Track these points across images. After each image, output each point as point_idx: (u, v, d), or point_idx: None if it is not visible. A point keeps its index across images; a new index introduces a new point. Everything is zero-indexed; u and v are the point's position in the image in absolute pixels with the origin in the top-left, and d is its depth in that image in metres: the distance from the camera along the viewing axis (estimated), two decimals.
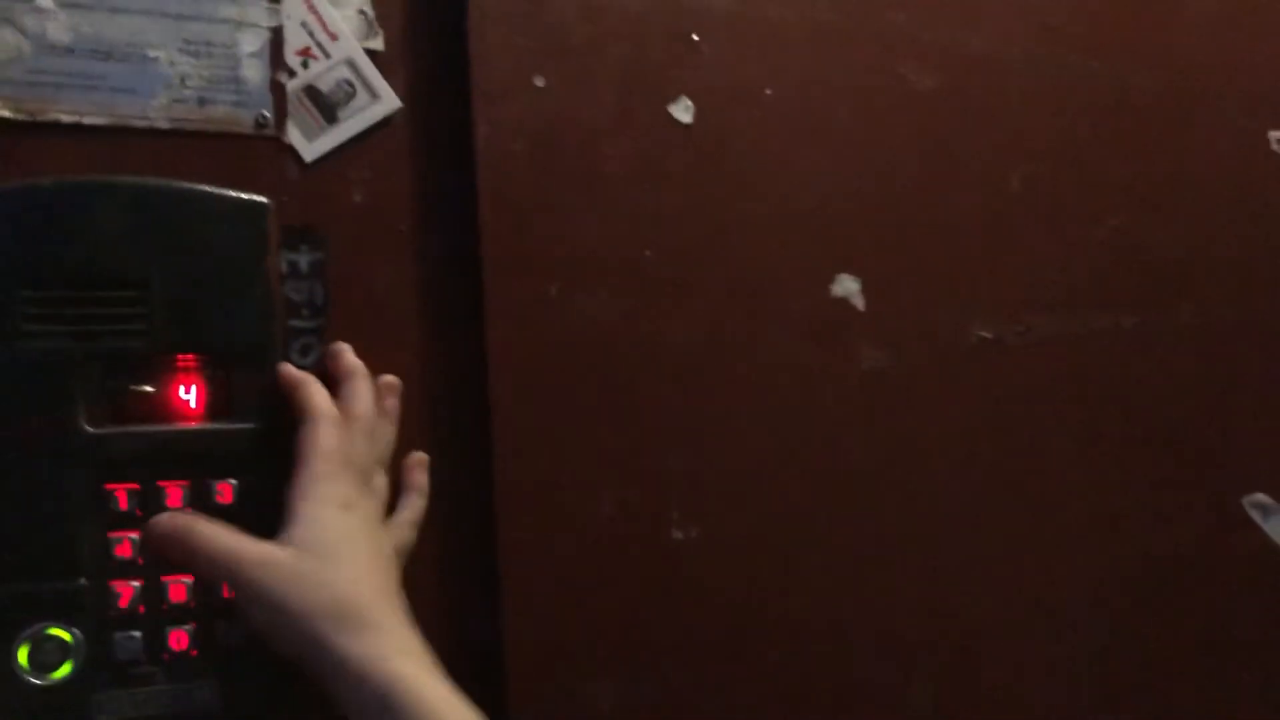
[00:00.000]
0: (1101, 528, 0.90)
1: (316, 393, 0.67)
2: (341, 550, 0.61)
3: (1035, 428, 0.89)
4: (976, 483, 0.87)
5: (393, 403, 0.72)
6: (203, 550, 0.61)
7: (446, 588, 0.73)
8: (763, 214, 0.82)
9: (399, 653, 0.59)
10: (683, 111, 0.80)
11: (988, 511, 0.87)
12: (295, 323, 0.71)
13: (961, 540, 0.86)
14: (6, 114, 0.64)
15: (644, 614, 0.76)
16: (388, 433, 0.71)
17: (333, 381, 0.69)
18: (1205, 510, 0.93)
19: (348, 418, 0.67)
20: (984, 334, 0.88)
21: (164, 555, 0.63)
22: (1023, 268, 0.90)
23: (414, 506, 0.71)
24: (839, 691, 0.81)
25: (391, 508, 0.71)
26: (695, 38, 0.81)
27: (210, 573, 0.62)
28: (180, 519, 0.63)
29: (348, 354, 0.70)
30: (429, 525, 0.72)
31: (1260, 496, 0.96)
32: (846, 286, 0.84)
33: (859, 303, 0.84)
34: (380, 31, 0.74)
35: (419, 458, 0.72)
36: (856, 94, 0.86)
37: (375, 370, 0.72)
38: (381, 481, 0.70)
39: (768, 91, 0.83)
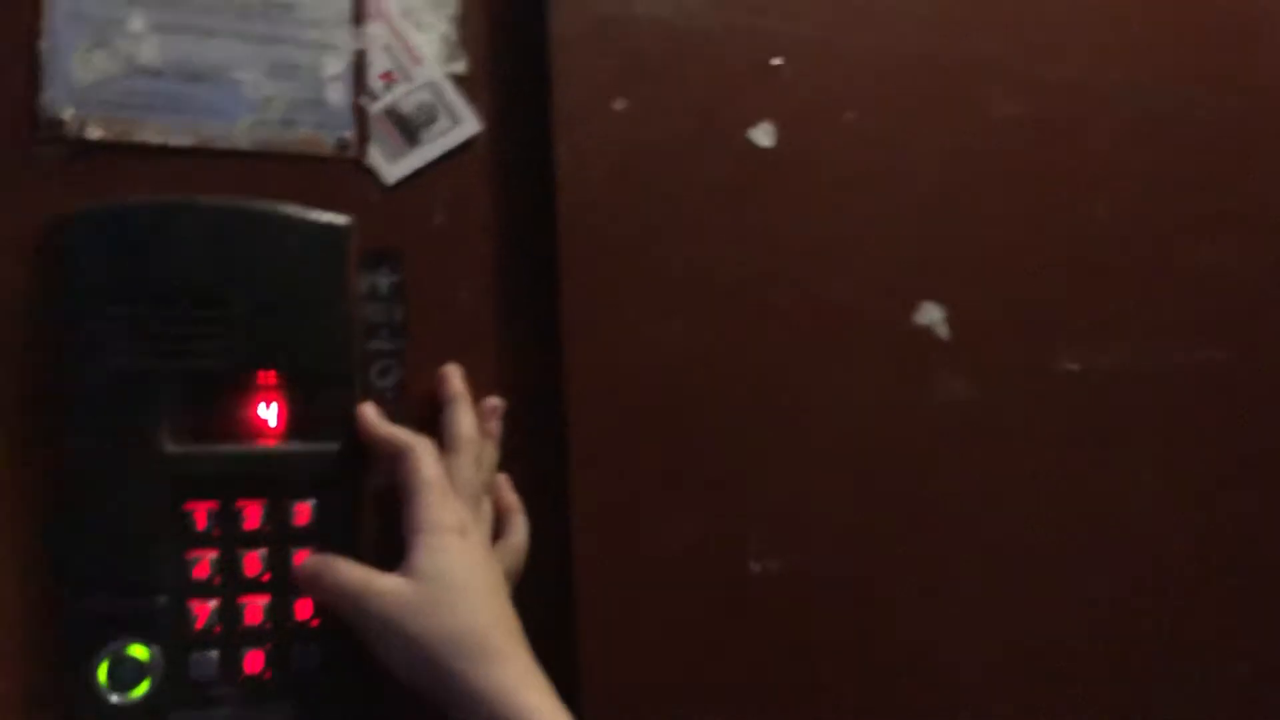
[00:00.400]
0: (1191, 565, 0.87)
1: (399, 429, 0.66)
2: (464, 579, 0.61)
3: (1122, 463, 0.87)
4: (1061, 519, 0.84)
5: (495, 425, 0.71)
6: (332, 583, 0.62)
7: (519, 610, 0.72)
8: (845, 239, 0.81)
9: (527, 685, 0.59)
10: (763, 136, 0.79)
11: (1073, 547, 0.84)
12: (375, 344, 0.71)
13: (1047, 576, 0.83)
14: (98, 135, 0.65)
15: (719, 646, 0.74)
16: (492, 456, 0.71)
17: (439, 404, 0.70)
18: None
19: (455, 442, 0.67)
20: (1070, 366, 0.86)
21: (304, 591, 0.64)
22: (1110, 298, 0.87)
23: (519, 528, 0.71)
24: None
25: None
26: (776, 62, 0.80)
27: (339, 604, 0.62)
28: (317, 556, 0.64)
29: (455, 378, 0.70)
30: None
31: None
32: (930, 315, 0.82)
33: (942, 332, 0.82)
34: (463, 55, 0.74)
35: (500, 478, 0.72)
36: (940, 120, 0.84)
37: None
38: (488, 506, 0.69)
39: (849, 116, 0.82)
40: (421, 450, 0.65)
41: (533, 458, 0.73)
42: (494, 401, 0.72)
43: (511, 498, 0.72)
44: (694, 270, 0.76)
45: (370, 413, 0.67)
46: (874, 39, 0.83)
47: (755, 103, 0.79)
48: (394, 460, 0.65)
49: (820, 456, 0.78)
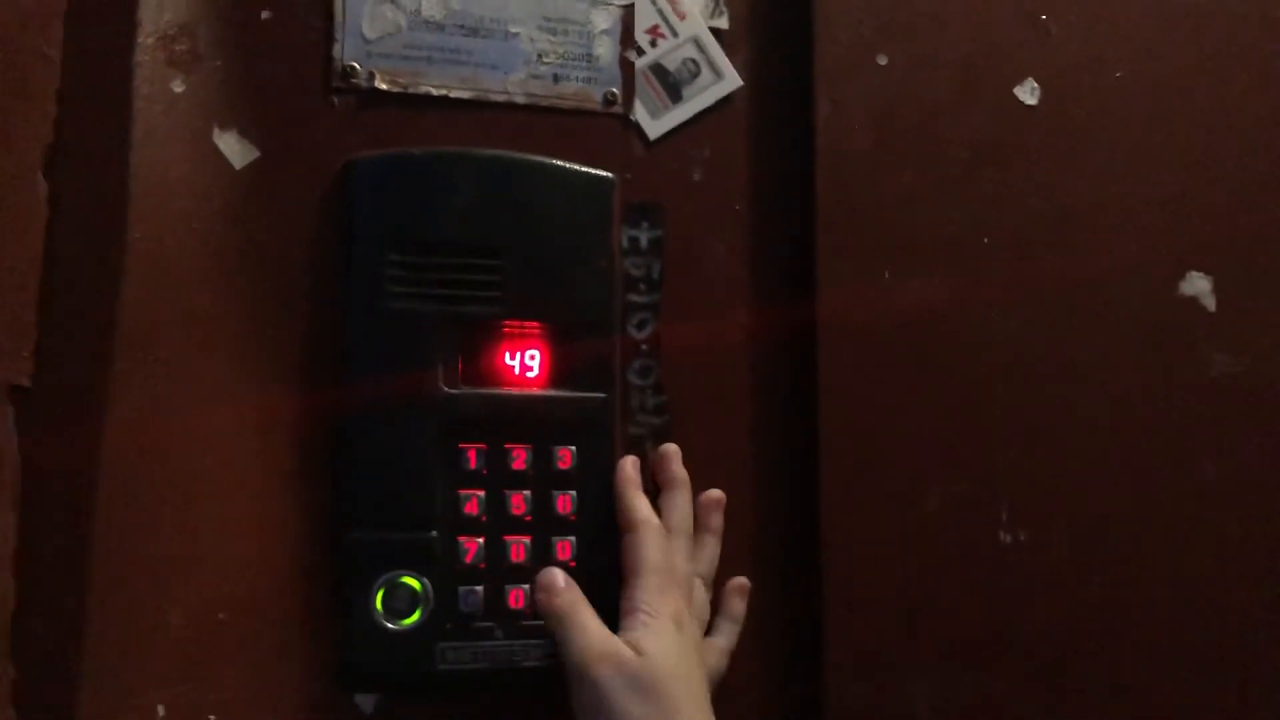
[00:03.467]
0: None
1: (640, 501, 0.67)
2: (679, 669, 0.61)
3: None
4: None
5: (717, 519, 0.71)
6: (571, 628, 0.63)
7: (765, 565, 0.72)
8: (1109, 203, 0.77)
9: None
10: (1028, 93, 0.77)
11: None
12: (632, 297, 0.72)
13: None
14: (383, 86, 0.68)
15: (965, 615, 0.73)
16: (713, 550, 0.71)
17: (657, 485, 0.70)
18: None
19: (669, 529, 0.68)
20: None
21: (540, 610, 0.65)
22: None
23: (729, 634, 0.71)
24: (1167, 712, 0.76)
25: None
26: (1043, 17, 0.77)
27: (566, 648, 0.63)
28: (570, 595, 0.65)
29: (675, 461, 0.70)
30: (749, 508, 0.72)
31: None
32: (1196, 285, 0.78)
33: (1209, 303, 0.78)
34: (725, 10, 0.74)
35: (740, 584, 0.71)
36: (1212, 76, 0.80)
37: (705, 347, 0.72)
38: (703, 598, 0.69)
39: (1117, 74, 0.79)
40: (647, 532, 0.66)
41: (781, 413, 0.73)
42: (715, 494, 0.71)
43: (739, 608, 0.71)
44: (951, 230, 0.75)
45: (628, 468, 0.68)
46: None
47: (1020, 59, 0.77)
48: (622, 529, 0.66)
49: (1076, 428, 0.75)
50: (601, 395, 0.68)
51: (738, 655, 0.70)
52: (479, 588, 0.66)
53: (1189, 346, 0.78)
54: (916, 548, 0.73)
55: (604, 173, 0.70)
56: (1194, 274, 0.78)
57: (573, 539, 0.67)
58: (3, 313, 0.58)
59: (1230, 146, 0.80)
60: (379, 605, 0.65)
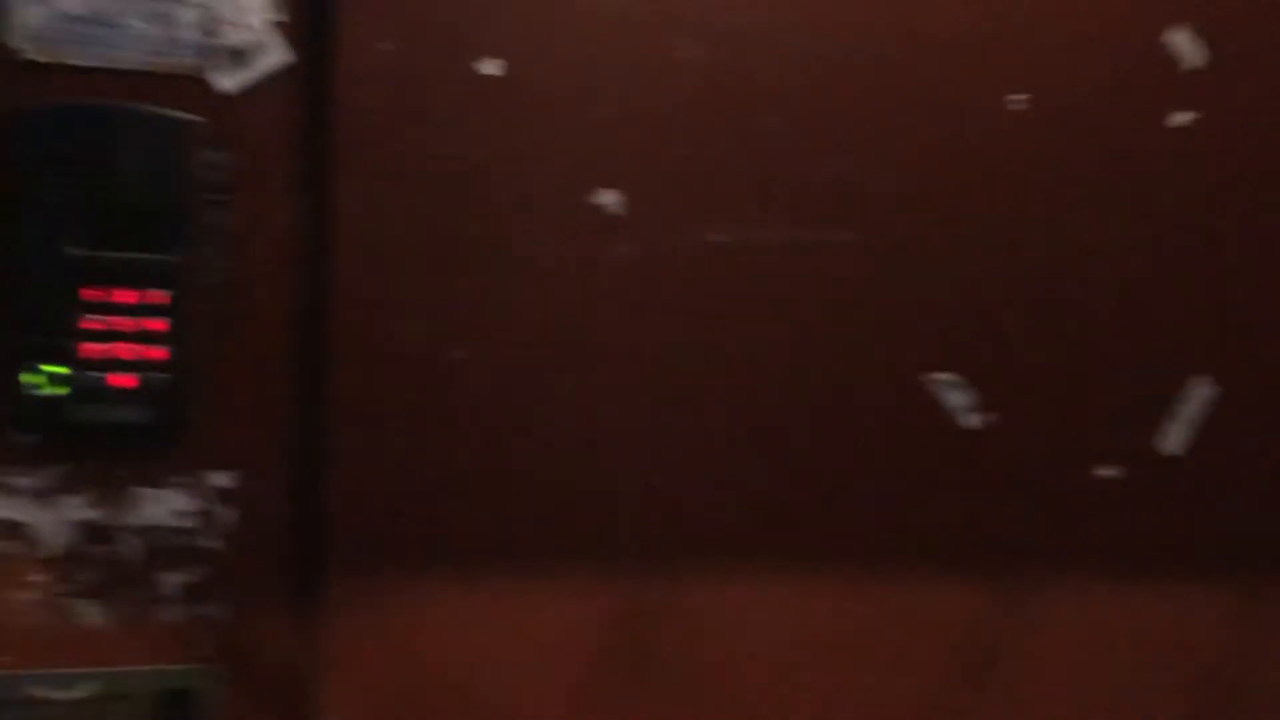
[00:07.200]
0: None
1: None
2: None
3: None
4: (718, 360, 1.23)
5: None
6: None
7: None
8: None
9: None
10: (491, 67, 1.18)
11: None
12: (210, 196, 1.13)
13: None
14: (39, 58, 1.07)
15: None
16: None
17: None
18: None
19: None
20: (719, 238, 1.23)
21: None
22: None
23: None
24: None
25: None
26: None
27: None
28: None
29: None
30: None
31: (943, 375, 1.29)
32: (606, 198, 1.21)
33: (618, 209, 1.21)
34: (285, 8, 1.14)
35: None
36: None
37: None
38: None
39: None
40: None
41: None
42: None
43: None
44: (440, 161, 1.16)
45: None
46: None
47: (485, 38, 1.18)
48: None
49: None
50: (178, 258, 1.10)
51: None
52: (97, 372, 1.08)
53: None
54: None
55: (189, 116, 1.11)
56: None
57: (164, 346, 1.09)
58: None
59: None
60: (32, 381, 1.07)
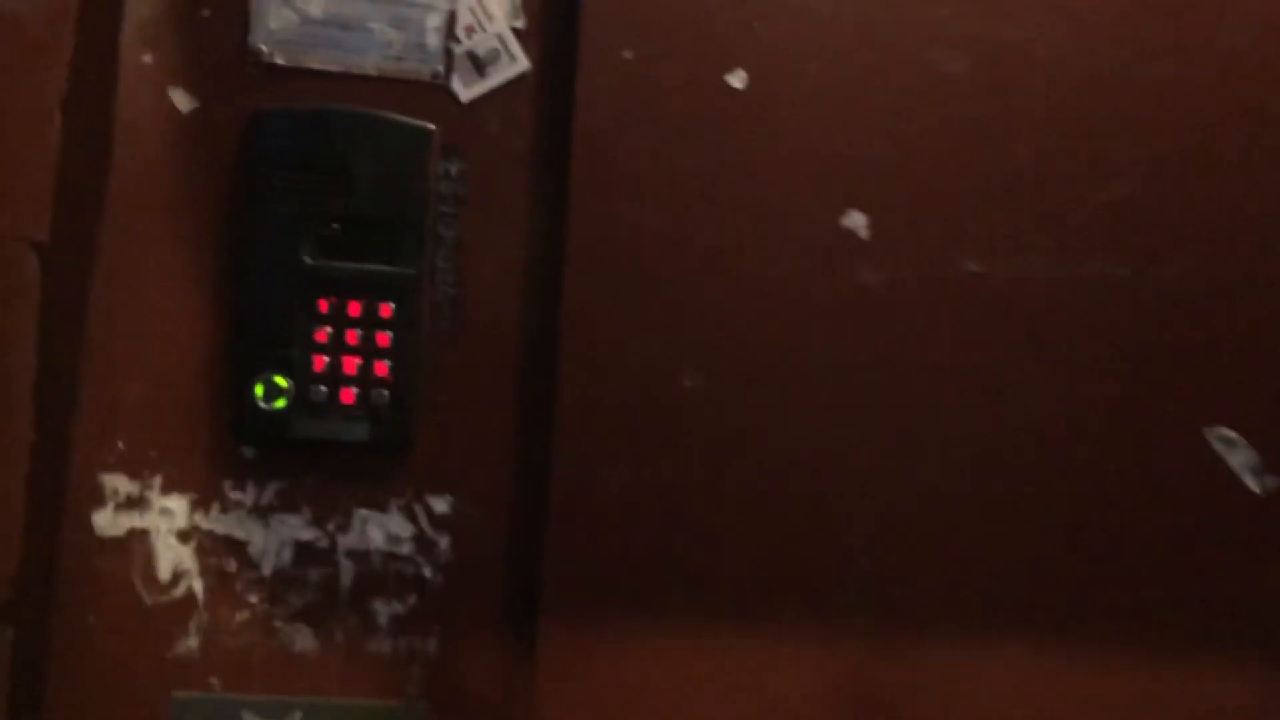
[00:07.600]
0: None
1: None
2: None
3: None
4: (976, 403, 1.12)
5: None
6: None
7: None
8: (787, 159, 1.11)
9: None
10: (738, 81, 1.10)
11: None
12: (442, 209, 1.08)
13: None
14: (282, 61, 1.05)
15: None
16: None
17: None
18: None
19: None
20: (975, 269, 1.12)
21: None
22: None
23: None
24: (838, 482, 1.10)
25: None
26: (754, 24, 1.10)
27: None
28: None
29: None
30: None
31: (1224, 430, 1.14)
32: (854, 220, 1.11)
33: (864, 235, 1.11)
34: (523, 14, 1.09)
35: None
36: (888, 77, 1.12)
37: (488, 244, 1.08)
38: None
39: (812, 66, 1.11)
40: None
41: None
42: None
43: None
44: (679, 176, 1.09)
45: None
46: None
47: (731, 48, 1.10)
48: None
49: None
50: (412, 271, 1.05)
51: None
52: (323, 386, 1.04)
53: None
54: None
55: (427, 124, 1.06)
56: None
57: (389, 361, 1.04)
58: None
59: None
60: (258, 393, 1.03)
